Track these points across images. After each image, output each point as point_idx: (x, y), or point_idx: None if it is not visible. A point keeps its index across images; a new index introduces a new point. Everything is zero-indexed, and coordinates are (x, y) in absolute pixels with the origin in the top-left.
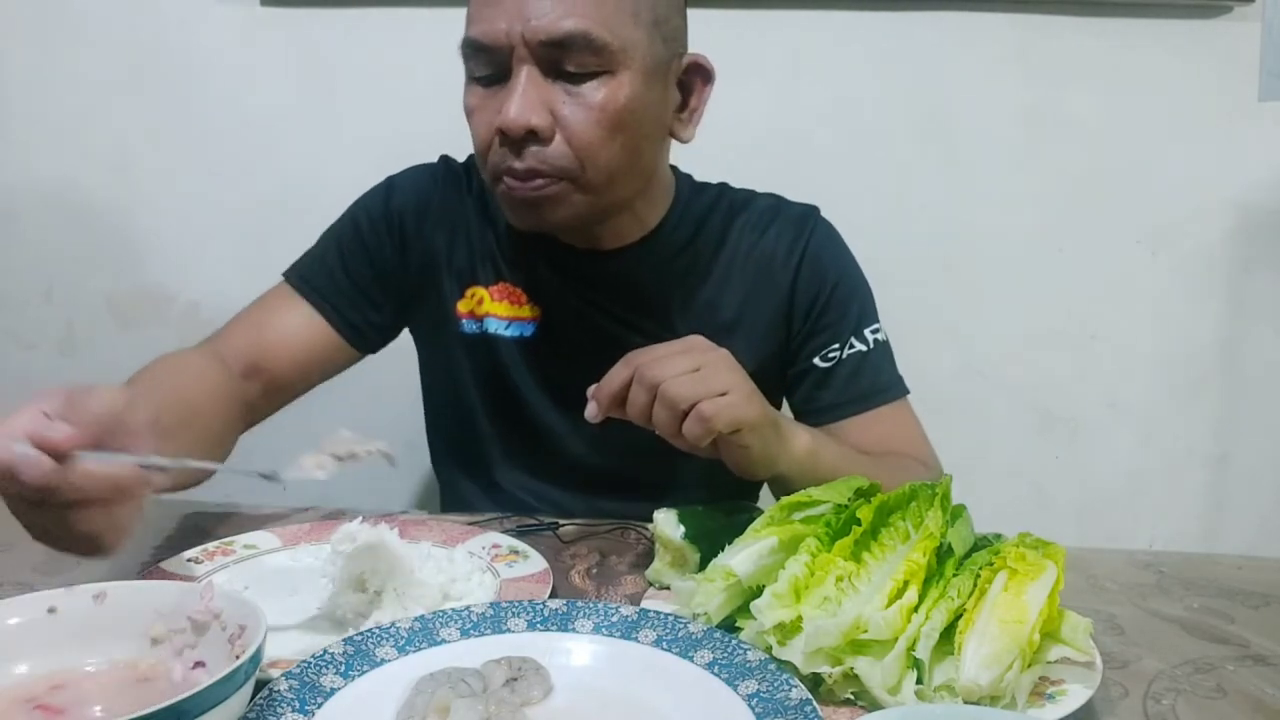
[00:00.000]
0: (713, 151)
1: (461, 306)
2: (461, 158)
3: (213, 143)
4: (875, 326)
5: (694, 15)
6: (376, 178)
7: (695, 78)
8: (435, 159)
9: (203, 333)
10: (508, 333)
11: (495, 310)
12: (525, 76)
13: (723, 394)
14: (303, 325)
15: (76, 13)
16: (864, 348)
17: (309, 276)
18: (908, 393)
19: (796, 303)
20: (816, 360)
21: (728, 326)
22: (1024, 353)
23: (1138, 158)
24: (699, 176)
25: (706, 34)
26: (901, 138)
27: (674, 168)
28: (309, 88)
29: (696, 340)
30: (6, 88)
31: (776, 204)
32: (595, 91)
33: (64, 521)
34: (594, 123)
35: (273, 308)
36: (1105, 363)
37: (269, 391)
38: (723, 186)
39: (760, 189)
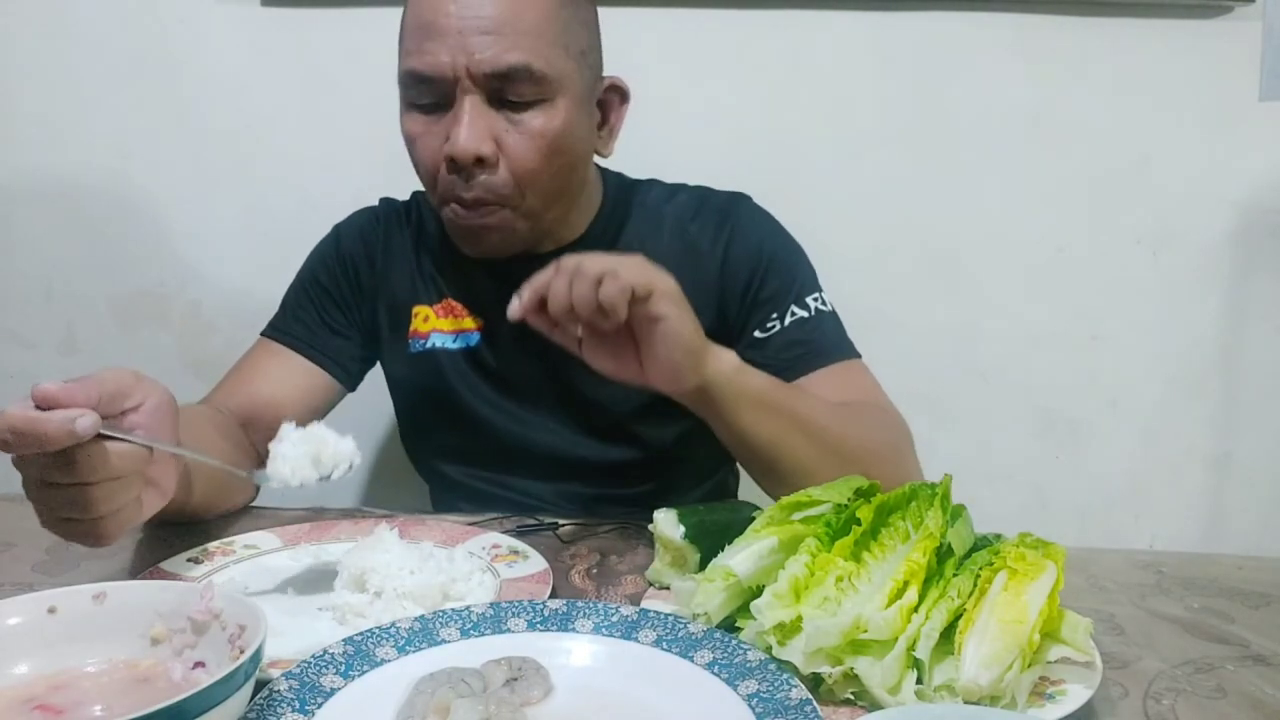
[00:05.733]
0: (713, 151)
1: (409, 327)
2: None
3: (213, 143)
4: (816, 295)
5: (696, 15)
6: (375, 178)
7: (614, 97)
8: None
9: (203, 332)
10: (454, 345)
11: (440, 326)
12: (469, 106)
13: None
14: (296, 374)
15: (76, 12)
16: (805, 314)
17: (290, 329)
18: (859, 356)
19: (727, 287)
20: (756, 333)
21: None
22: (1025, 353)
23: (1138, 158)
24: (700, 176)
25: (707, 34)
26: (901, 138)
27: (604, 170)
28: (309, 88)
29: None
30: (7, 87)
31: (702, 194)
32: (535, 119)
33: (75, 502)
34: (535, 149)
35: (261, 364)
36: (1106, 363)
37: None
38: (651, 182)
39: (759, 189)
